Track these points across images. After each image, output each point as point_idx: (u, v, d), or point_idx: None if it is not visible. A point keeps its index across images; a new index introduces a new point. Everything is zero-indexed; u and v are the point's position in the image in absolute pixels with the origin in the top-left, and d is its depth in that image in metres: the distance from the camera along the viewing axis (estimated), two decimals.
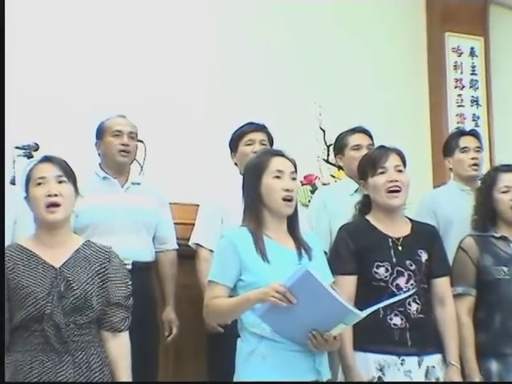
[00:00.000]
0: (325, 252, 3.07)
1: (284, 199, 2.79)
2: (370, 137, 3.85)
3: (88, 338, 2.67)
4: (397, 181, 3.06)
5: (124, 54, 5.04)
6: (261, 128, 3.80)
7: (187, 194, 4.11)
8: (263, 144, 3.74)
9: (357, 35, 5.69)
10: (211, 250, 3.60)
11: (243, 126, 3.82)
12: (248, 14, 5.48)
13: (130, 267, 3.27)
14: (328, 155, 4.87)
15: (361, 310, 2.60)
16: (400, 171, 3.10)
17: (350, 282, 3.00)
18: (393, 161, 3.10)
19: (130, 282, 2.81)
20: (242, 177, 3.66)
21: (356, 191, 3.69)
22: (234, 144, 3.80)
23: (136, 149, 3.74)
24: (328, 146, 4.84)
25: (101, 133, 3.73)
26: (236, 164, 3.82)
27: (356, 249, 3.03)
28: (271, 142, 3.81)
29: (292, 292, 2.53)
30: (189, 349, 3.86)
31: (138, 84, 4.96)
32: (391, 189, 3.06)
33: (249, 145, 3.73)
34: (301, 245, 2.83)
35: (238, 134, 3.80)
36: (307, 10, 5.55)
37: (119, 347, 2.75)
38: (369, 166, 3.13)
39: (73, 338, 2.63)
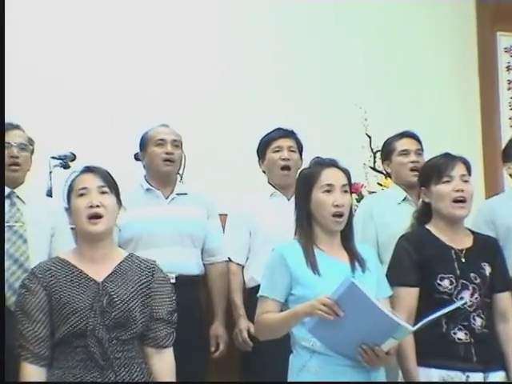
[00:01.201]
0: None
1: (334, 215, 2.79)
2: (419, 141, 3.80)
3: (131, 354, 2.66)
4: (463, 190, 3.03)
5: (163, 67, 5.13)
6: (289, 134, 3.79)
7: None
8: (292, 151, 3.74)
9: (403, 36, 5.65)
10: (239, 264, 3.67)
11: (271, 132, 3.81)
12: (286, 13, 5.50)
13: (174, 281, 3.28)
14: (374, 162, 4.87)
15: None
16: (466, 181, 3.06)
17: (411, 294, 2.96)
18: (459, 170, 3.07)
19: (174, 297, 2.80)
20: (269, 186, 3.75)
21: (404, 200, 3.68)
22: (261, 151, 3.80)
23: (181, 158, 3.73)
24: (374, 153, 4.83)
25: (144, 143, 3.73)
26: (264, 172, 3.82)
27: (418, 259, 2.99)
28: (300, 149, 3.80)
29: (339, 305, 2.52)
30: (235, 363, 3.80)
31: (171, 95, 5.05)
32: (457, 199, 3.02)
33: (277, 151, 3.73)
34: (354, 257, 2.83)
35: (265, 140, 3.79)
36: (351, 10, 5.56)
37: (163, 364, 2.74)
38: (433, 174, 3.09)
39: (116, 354, 2.62)
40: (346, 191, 2.84)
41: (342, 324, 2.55)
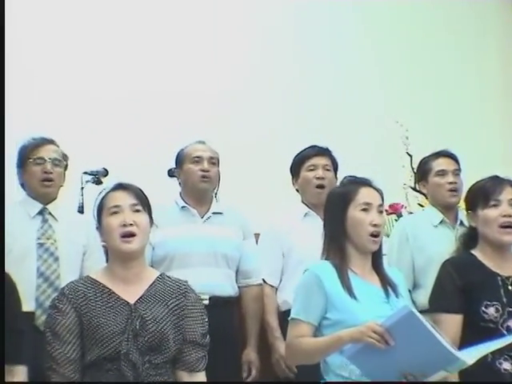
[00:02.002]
0: (408, 290, 3.02)
1: (371, 235, 2.74)
2: (456, 161, 3.75)
3: (164, 378, 2.63)
4: (510, 216, 2.98)
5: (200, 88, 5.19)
6: (324, 151, 3.76)
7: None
8: (327, 169, 3.71)
9: (448, 53, 5.64)
10: (272, 286, 3.65)
11: (305, 149, 3.78)
12: (328, 25, 5.51)
13: (207, 302, 3.27)
14: (415, 182, 4.81)
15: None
16: None
17: (455, 322, 2.92)
18: (507, 194, 3.02)
19: (206, 319, 2.77)
20: (303, 205, 3.69)
21: (441, 222, 3.63)
22: (295, 169, 3.77)
23: (218, 175, 3.70)
24: (415, 173, 4.79)
25: (180, 160, 3.72)
26: (297, 190, 3.78)
27: (463, 286, 2.95)
28: (336, 167, 3.76)
29: (390, 333, 2.47)
30: None
31: (206, 113, 5.10)
32: (504, 224, 2.98)
33: (311, 170, 3.70)
34: (386, 281, 2.78)
35: (299, 158, 3.76)
36: (395, 27, 5.55)
37: None
38: (480, 197, 3.04)
39: (148, 378, 2.59)
40: (381, 212, 2.81)
41: (388, 352, 2.49)
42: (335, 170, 3.76)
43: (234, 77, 5.30)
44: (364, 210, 2.76)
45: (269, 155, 5.03)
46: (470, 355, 2.52)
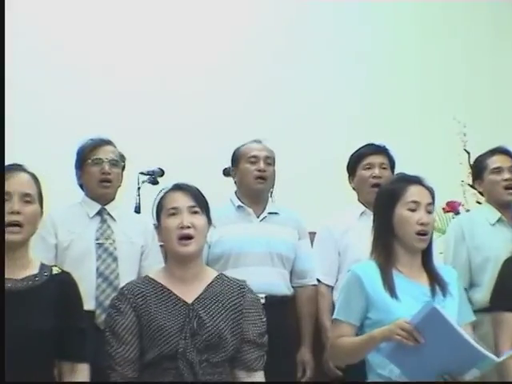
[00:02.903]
0: (465, 289, 3.01)
1: (418, 233, 2.74)
2: None
3: (221, 377, 2.66)
4: None
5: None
6: (381, 150, 3.74)
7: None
8: (383, 168, 3.69)
9: (507, 48, 5.59)
10: (328, 285, 3.65)
11: (362, 147, 3.77)
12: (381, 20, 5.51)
13: (263, 301, 3.25)
14: (472, 180, 4.79)
15: None
16: None
17: None
18: None
19: (264, 319, 2.80)
20: (359, 204, 3.70)
21: (498, 220, 3.59)
22: (351, 167, 3.76)
23: (273, 175, 3.71)
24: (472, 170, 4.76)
25: (236, 159, 3.73)
26: (354, 189, 3.78)
27: None
28: (393, 165, 3.74)
29: (419, 330, 2.48)
30: None
31: (258, 112, 5.15)
32: None
33: (368, 168, 3.69)
34: (435, 280, 2.77)
35: (355, 156, 3.75)
36: (454, 23, 5.52)
37: None
38: None
39: (206, 376, 2.63)
40: (430, 211, 2.79)
41: (421, 351, 2.50)
42: (392, 168, 3.74)
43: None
44: (411, 209, 2.76)
45: (324, 154, 5.06)
46: None
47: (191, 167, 4.39)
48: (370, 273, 2.74)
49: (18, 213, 2.52)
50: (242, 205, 3.69)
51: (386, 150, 3.76)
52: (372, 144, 3.78)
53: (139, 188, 4.10)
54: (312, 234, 3.79)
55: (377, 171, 3.67)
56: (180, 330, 2.64)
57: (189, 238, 2.71)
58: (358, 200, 3.76)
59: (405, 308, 2.64)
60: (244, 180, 3.69)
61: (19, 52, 4.87)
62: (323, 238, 3.72)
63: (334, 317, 2.80)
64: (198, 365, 2.62)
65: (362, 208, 3.71)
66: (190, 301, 2.70)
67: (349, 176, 3.80)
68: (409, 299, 2.69)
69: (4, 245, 2.59)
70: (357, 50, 5.51)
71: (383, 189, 2.94)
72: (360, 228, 3.59)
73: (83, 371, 2.64)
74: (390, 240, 2.78)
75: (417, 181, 2.82)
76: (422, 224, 2.74)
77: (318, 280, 3.68)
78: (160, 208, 2.81)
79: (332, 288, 3.68)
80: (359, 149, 3.78)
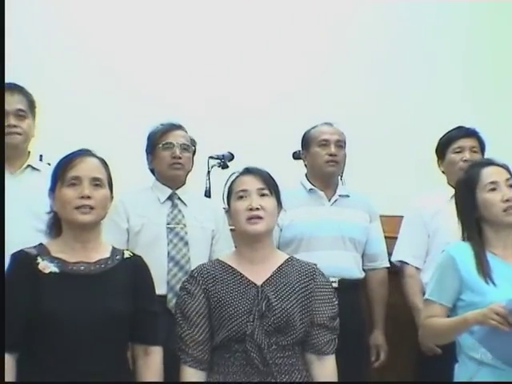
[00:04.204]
0: None
1: (505, 210, 2.76)
2: None
3: (291, 360, 2.67)
4: None
5: None
6: (472, 133, 3.70)
7: (389, 204, 4.08)
8: (474, 151, 3.65)
9: None
10: (417, 268, 3.60)
11: (451, 130, 3.73)
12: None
13: (336, 285, 3.29)
14: None
15: None
16: None
17: None
18: None
19: (336, 302, 2.79)
20: (449, 187, 3.64)
21: None
22: (441, 150, 3.73)
23: (344, 158, 3.70)
24: None
25: (307, 143, 3.73)
26: (443, 172, 3.74)
27: None
28: (483, 149, 3.70)
29: None
30: (393, 373, 3.78)
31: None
32: None
33: (458, 152, 3.65)
34: None
35: (445, 139, 3.72)
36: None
37: (325, 372, 2.74)
38: None
39: (275, 360, 2.64)
40: (510, 185, 2.83)
41: None
42: (482, 151, 3.70)
43: None
44: (492, 189, 2.80)
45: (402, 138, 5.02)
46: None
47: (261, 151, 4.38)
48: (464, 254, 2.77)
49: (89, 197, 2.57)
50: (314, 188, 3.69)
51: (477, 133, 3.73)
52: (462, 127, 3.75)
53: (209, 172, 4.11)
54: (400, 218, 3.77)
55: (467, 155, 3.64)
56: (248, 312, 2.66)
57: (258, 218, 2.73)
58: (448, 183, 3.71)
59: (500, 291, 2.65)
60: (315, 163, 3.69)
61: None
62: (413, 220, 3.68)
63: (426, 297, 2.83)
64: (266, 347, 2.64)
65: (452, 191, 3.65)
66: (259, 283, 2.72)
67: (438, 159, 3.77)
68: (504, 282, 2.70)
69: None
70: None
71: (459, 180, 2.98)
72: (450, 211, 3.51)
73: (156, 354, 2.69)
74: (479, 226, 2.82)
75: (488, 163, 2.88)
76: (506, 200, 2.78)
77: (405, 262, 3.63)
78: (230, 192, 2.83)
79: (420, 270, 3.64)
80: (449, 132, 3.75)
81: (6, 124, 3.24)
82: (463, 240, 2.84)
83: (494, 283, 2.69)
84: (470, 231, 2.82)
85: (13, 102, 3.28)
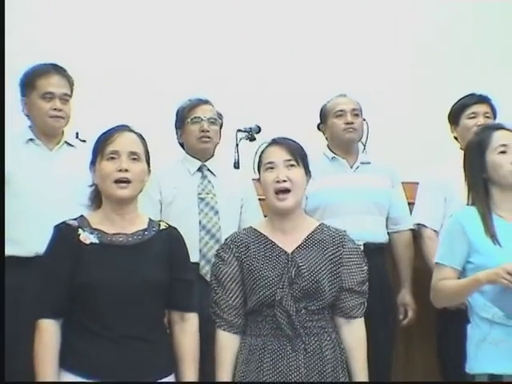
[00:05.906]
0: None
1: None
2: None
3: (321, 323, 2.73)
4: None
5: None
6: (484, 99, 3.75)
7: (406, 171, 4.14)
8: (487, 117, 3.69)
9: None
10: (435, 231, 3.64)
11: (464, 97, 3.78)
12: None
13: (362, 248, 3.32)
14: None
15: None
16: None
17: None
18: None
19: (365, 267, 2.85)
20: (462, 153, 3.69)
21: None
22: (454, 117, 3.77)
23: (362, 125, 3.77)
24: None
25: (324, 115, 3.81)
26: (456, 138, 3.79)
27: None
28: (495, 115, 3.74)
29: None
30: (416, 333, 3.87)
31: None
32: None
33: (471, 118, 3.70)
34: None
35: (458, 106, 3.77)
36: None
37: (353, 335, 2.81)
38: None
39: (304, 323, 2.71)
40: None
41: None
42: (495, 117, 3.74)
43: None
44: (502, 152, 2.86)
45: (418, 105, 5.07)
46: None
47: (287, 124, 4.44)
48: (472, 218, 2.82)
49: (126, 170, 2.65)
50: (336, 156, 3.77)
51: (489, 99, 3.77)
52: (474, 94, 3.79)
53: (237, 145, 4.15)
54: (415, 185, 3.82)
55: (481, 120, 3.68)
56: (279, 279, 2.72)
57: (286, 191, 2.77)
58: (460, 148, 3.74)
59: (507, 253, 2.71)
60: (334, 133, 3.77)
61: None
62: (429, 185, 3.73)
63: (436, 261, 2.89)
64: (294, 313, 2.70)
65: None
66: (289, 250, 2.78)
67: (451, 125, 3.81)
68: (511, 243, 2.75)
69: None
70: None
71: (470, 142, 3.01)
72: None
73: (192, 320, 2.78)
74: (486, 188, 2.87)
75: (499, 127, 2.94)
76: None
77: (423, 225, 3.69)
78: (260, 163, 2.88)
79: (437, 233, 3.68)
80: (462, 98, 3.79)
81: (51, 107, 3.36)
82: (468, 204, 2.89)
83: (501, 245, 2.74)
84: (478, 193, 2.86)
85: (59, 86, 3.41)
